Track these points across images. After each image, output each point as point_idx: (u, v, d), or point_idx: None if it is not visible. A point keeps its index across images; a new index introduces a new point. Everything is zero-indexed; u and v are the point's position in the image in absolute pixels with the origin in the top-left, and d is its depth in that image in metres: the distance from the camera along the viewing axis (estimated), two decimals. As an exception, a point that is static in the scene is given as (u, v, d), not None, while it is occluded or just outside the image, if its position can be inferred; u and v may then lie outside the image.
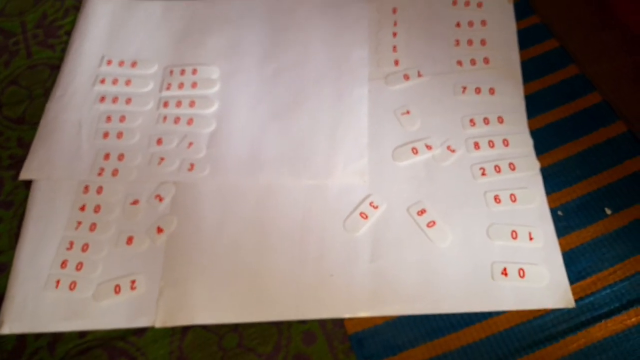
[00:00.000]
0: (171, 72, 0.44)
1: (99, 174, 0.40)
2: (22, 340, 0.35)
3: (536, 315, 0.33)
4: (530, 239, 0.35)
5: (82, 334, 0.35)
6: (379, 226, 0.37)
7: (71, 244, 0.37)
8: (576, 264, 0.34)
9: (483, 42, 0.43)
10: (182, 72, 0.44)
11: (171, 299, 0.35)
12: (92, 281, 0.36)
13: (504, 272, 0.34)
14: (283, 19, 0.47)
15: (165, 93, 0.44)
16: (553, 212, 0.36)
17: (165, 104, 0.43)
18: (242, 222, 0.37)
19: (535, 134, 0.39)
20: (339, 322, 0.34)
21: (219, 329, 0.35)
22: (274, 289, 0.35)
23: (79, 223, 0.38)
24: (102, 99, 0.43)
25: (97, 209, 0.39)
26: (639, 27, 0.42)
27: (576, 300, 0.33)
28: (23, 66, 0.46)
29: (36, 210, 0.39)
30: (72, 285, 0.36)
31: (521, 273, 0.34)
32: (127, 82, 0.44)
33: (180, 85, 0.44)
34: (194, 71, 0.44)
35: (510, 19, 0.44)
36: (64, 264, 0.37)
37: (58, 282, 0.36)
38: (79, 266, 0.37)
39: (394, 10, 0.46)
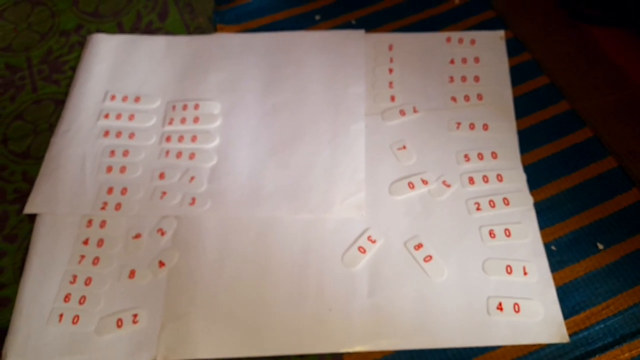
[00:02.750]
0: (174, 107, 0.46)
1: (102, 208, 0.41)
2: (24, 376, 0.35)
3: (531, 350, 0.33)
4: (525, 273, 0.35)
5: (84, 370, 0.35)
6: (377, 260, 0.37)
7: (74, 277, 0.38)
8: (570, 299, 0.35)
9: (476, 79, 0.45)
10: (185, 107, 0.46)
11: (172, 333, 0.35)
12: (94, 315, 0.36)
13: (500, 307, 0.34)
14: (281, 56, 0.48)
15: (168, 128, 0.45)
16: (547, 246, 0.37)
17: (168, 139, 0.44)
18: (242, 256, 0.38)
19: (528, 169, 0.40)
20: (338, 357, 0.35)
21: (219, 363, 0.35)
22: (274, 324, 0.35)
23: (82, 257, 0.39)
24: (106, 133, 0.45)
25: (100, 243, 0.39)
26: (625, 63, 0.44)
27: (570, 335, 0.33)
28: (28, 101, 0.48)
29: (40, 244, 0.39)
30: (75, 319, 0.36)
31: (516, 308, 0.34)
32: (131, 117, 0.45)
33: (183, 120, 0.45)
34: (196, 106, 0.46)
35: (502, 56, 0.46)
36: (67, 298, 0.37)
37: (61, 316, 0.37)
38: (82, 300, 0.37)
39: (390, 47, 0.48)
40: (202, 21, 0.52)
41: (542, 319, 0.34)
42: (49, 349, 0.35)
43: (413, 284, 0.36)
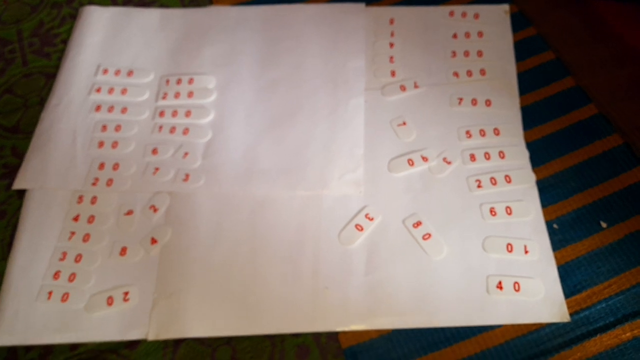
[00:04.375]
0: (167, 81, 0.44)
1: (94, 184, 0.40)
2: (12, 353, 0.35)
3: (531, 330, 0.33)
4: (526, 252, 0.35)
5: (73, 347, 0.35)
6: (374, 238, 0.36)
7: (64, 254, 0.37)
8: (571, 278, 0.34)
9: (480, 54, 0.43)
10: (179, 81, 0.44)
11: (164, 311, 0.35)
12: (84, 292, 0.36)
13: (499, 286, 0.34)
14: (279, 29, 0.47)
15: (161, 102, 0.43)
16: (548, 225, 0.36)
17: (161, 114, 0.43)
18: (236, 233, 0.37)
19: (531, 146, 0.39)
20: (333, 336, 0.34)
21: (212, 342, 0.34)
22: (268, 302, 0.35)
23: (73, 233, 0.38)
24: (98, 108, 0.43)
25: (90, 219, 0.39)
26: (632, 38, 0.42)
27: (571, 314, 0.33)
28: (18, 74, 0.46)
29: (29, 221, 0.38)
30: (65, 297, 0.36)
31: (516, 287, 0.33)
32: (123, 91, 0.44)
33: (177, 95, 0.44)
34: (190, 80, 0.44)
35: (507, 31, 0.44)
36: (56, 275, 0.36)
37: (50, 293, 0.36)
38: (72, 277, 0.36)
39: (391, 21, 0.46)
40: (197, -6, 0.50)
41: (543, 297, 0.33)
42: (38, 326, 0.34)
43: (411, 262, 0.35)
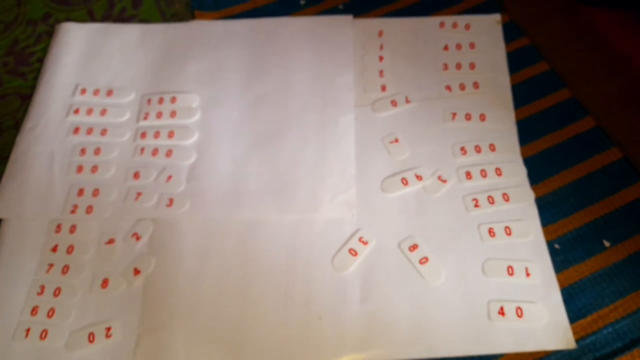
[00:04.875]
0: (149, 100, 0.42)
1: (72, 212, 0.38)
2: (-13, 397, 0.32)
3: (536, 358, 0.31)
4: (527, 274, 0.33)
5: (52, 389, 0.33)
6: (369, 263, 0.35)
7: (42, 288, 0.35)
8: (575, 301, 0.33)
9: (472, 66, 0.42)
10: (161, 100, 0.42)
11: (149, 347, 0.33)
12: (64, 329, 0.34)
13: (501, 312, 0.32)
14: (265, 44, 0.45)
15: (143, 123, 0.42)
16: (550, 245, 0.34)
17: (143, 135, 0.41)
18: (223, 262, 0.35)
19: (528, 161, 0.37)
20: (329, 369, 0.32)
21: (200, 379, 0.32)
22: (259, 334, 0.33)
23: (51, 265, 0.36)
24: (76, 130, 0.41)
25: (70, 249, 0.36)
26: (626, 47, 0.41)
27: (577, 340, 0.31)
28: (-8, 96, 0.44)
29: (5, 252, 0.36)
30: (43, 334, 0.33)
31: (519, 312, 0.32)
32: (103, 112, 0.42)
33: (159, 115, 0.42)
34: (173, 99, 0.42)
35: (499, 41, 0.43)
36: (34, 311, 0.34)
37: (28, 330, 0.34)
38: (51, 312, 0.34)
39: (380, 33, 0.45)
40: (179, 8, 0.49)
41: (547, 323, 0.32)
42: (15, 367, 0.32)
43: (408, 289, 0.34)
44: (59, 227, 0.37)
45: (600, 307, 0.32)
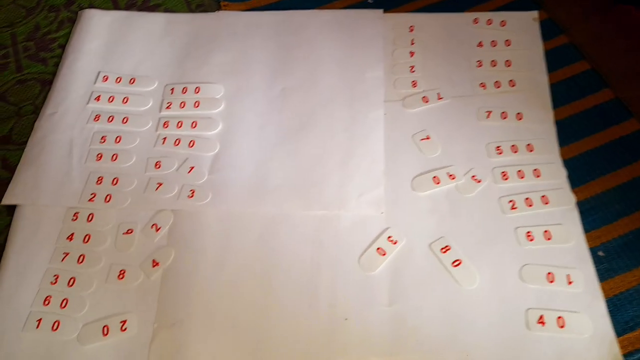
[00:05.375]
0: (172, 90, 0.41)
1: (90, 200, 0.36)
2: (-6, 389, 0.31)
3: (579, 372, 0.29)
4: (569, 282, 0.31)
5: (63, 383, 0.31)
6: (398, 264, 0.33)
7: (56, 277, 0.34)
8: (622, 313, 0.30)
9: (508, 63, 0.40)
10: (184, 90, 0.41)
11: (165, 342, 0.31)
12: (77, 321, 0.32)
13: (541, 321, 0.30)
14: (292, 36, 0.44)
15: (166, 112, 0.40)
16: (593, 252, 0.32)
17: (165, 125, 0.40)
18: (245, 256, 0.34)
19: (568, 163, 0.36)
20: (354, 374, 0.30)
21: (218, 379, 0.31)
22: (280, 334, 0.31)
23: (66, 254, 0.35)
24: (97, 117, 0.40)
25: (86, 238, 0.35)
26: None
27: (624, 355, 0.29)
28: (12, 81, 0.43)
29: (19, 240, 0.35)
30: (55, 326, 0.32)
31: (560, 322, 0.30)
32: (125, 100, 0.41)
33: (182, 104, 0.41)
34: (197, 89, 0.41)
35: (536, 39, 0.42)
36: (47, 301, 0.33)
37: (40, 321, 0.32)
38: (64, 303, 0.33)
39: (411, 29, 0.43)
40: (205, -2, 0.48)
41: (591, 335, 0.30)
42: (24, 358, 0.31)
43: (440, 292, 0.32)
44: (76, 215, 0.36)
45: (650, 320, 0.30)
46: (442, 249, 0.33)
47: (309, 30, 0.44)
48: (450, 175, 0.36)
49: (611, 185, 0.35)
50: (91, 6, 0.47)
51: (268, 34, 0.44)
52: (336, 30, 0.44)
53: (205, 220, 0.35)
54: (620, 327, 0.30)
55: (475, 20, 0.43)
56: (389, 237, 0.34)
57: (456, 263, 0.32)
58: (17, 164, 0.38)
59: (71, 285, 0.34)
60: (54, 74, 0.43)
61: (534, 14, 0.43)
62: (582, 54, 0.40)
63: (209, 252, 0.34)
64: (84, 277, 0.34)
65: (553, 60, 0.40)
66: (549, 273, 0.32)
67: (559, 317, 0.30)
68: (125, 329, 0.32)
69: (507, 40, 0.42)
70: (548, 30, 0.42)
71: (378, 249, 0.33)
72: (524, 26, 0.42)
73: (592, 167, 0.36)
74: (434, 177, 0.36)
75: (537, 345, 0.30)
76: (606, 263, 0.32)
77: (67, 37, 0.45)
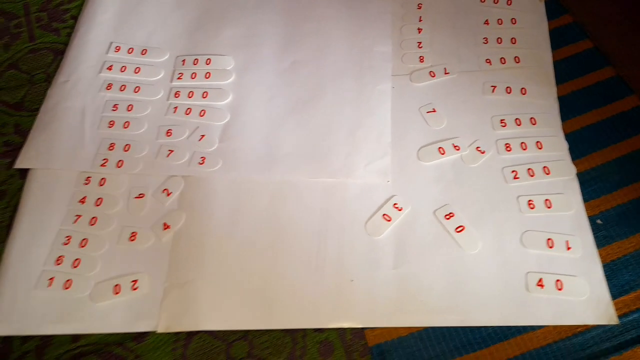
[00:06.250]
0: (183, 61, 0.42)
1: (102, 165, 0.37)
2: (7, 343, 0.32)
3: (576, 332, 0.30)
4: (568, 248, 0.32)
5: (75, 338, 0.32)
6: (403, 229, 0.34)
7: (68, 238, 0.35)
8: (618, 277, 0.32)
9: (513, 41, 0.41)
10: (195, 61, 0.42)
11: (176, 301, 0.32)
12: (89, 280, 0.33)
13: (540, 284, 0.31)
14: (302, 10, 0.44)
15: (177, 83, 0.41)
16: (591, 220, 0.33)
17: (177, 94, 0.40)
18: (254, 221, 0.35)
19: (569, 137, 0.37)
20: (359, 333, 0.31)
21: (227, 336, 0.32)
22: (289, 294, 0.32)
23: (78, 216, 0.35)
24: (109, 86, 0.41)
25: (98, 202, 0.36)
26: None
27: (619, 317, 0.30)
28: (24, 50, 0.44)
29: (31, 202, 0.36)
30: (67, 284, 0.33)
31: (559, 285, 0.31)
32: (136, 70, 0.42)
33: (193, 75, 0.41)
34: (208, 61, 0.42)
35: (541, 18, 0.42)
36: (59, 260, 0.34)
37: (52, 280, 0.33)
38: (76, 263, 0.34)
39: (419, 6, 0.44)
40: (216, -26, 0.48)
41: (588, 298, 0.31)
42: (37, 315, 0.32)
43: (443, 256, 0.33)
44: (88, 180, 0.37)
45: (645, 284, 0.31)
46: (446, 215, 0.34)
47: (319, 5, 0.45)
48: (456, 147, 0.37)
49: (610, 157, 0.36)
50: (103, -21, 0.48)
51: (278, 8, 0.45)
52: (345, 7, 0.44)
53: (216, 186, 0.36)
54: (617, 290, 0.31)
55: None
56: (395, 204, 0.35)
57: (459, 229, 0.33)
58: (29, 130, 0.39)
59: (83, 246, 0.34)
60: (66, 44, 0.44)
61: (539, -6, 0.44)
62: (586, 33, 0.41)
63: (219, 217, 0.35)
64: (96, 238, 0.35)
65: (557, 38, 0.41)
66: (548, 239, 0.33)
67: (558, 280, 0.31)
68: (136, 287, 0.33)
69: (512, 19, 0.43)
70: (553, 10, 0.43)
71: (384, 215, 0.34)
72: (530, 6, 0.43)
73: (593, 141, 0.37)
74: (440, 148, 0.37)
75: (536, 306, 0.31)
76: (604, 230, 0.33)
77: (80, 8, 0.46)
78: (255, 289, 0.32)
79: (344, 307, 0.32)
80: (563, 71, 0.39)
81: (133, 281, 0.33)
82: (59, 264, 0.34)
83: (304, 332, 0.32)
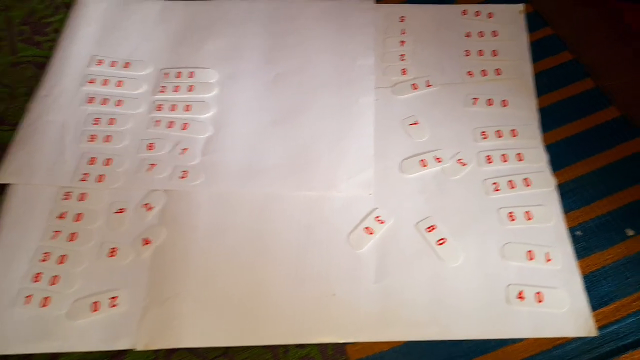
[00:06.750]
0: (166, 74, 0.42)
1: (83, 180, 0.37)
2: (-15, 362, 0.31)
3: (556, 345, 0.30)
4: (548, 260, 0.32)
5: (53, 357, 0.31)
6: (385, 242, 0.34)
7: (47, 255, 0.34)
8: (598, 289, 0.32)
9: (494, 53, 0.42)
10: (179, 74, 0.42)
11: (155, 318, 0.32)
12: (67, 297, 0.33)
13: (520, 296, 0.31)
14: (286, 23, 0.45)
15: (159, 96, 0.41)
16: (571, 231, 0.34)
17: (159, 107, 0.40)
18: (236, 235, 0.34)
19: (550, 148, 0.37)
20: (341, 348, 0.31)
21: (207, 352, 0.31)
22: (270, 310, 0.32)
23: (57, 232, 0.35)
24: (91, 100, 0.41)
25: (78, 217, 0.36)
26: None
27: (599, 328, 0.30)
28: (6, 63, 0.44)
29: (10, 218, 0.35)
30: (45, 302, 0.33)
31: (539, 297, 0.31)
32: (119, 84, 0.41)
33: (176, 89, 0.41)
34: (191, 74, 0.42)
35: (522, 30, 0.43)
36: (37, 277, 0.33)
37: (29, 297, 0.33)
38: (54, 280, 0.33)
39: (402, 19, 0.44)
40: (200, -14, 0.48)
41: (568, 310, 0.31)
42: (13, 334, 0.31)
43: (425, 269, 0.33)
44: (67, 195, 0.36)
45: (624, 296, 0.31)
46: (428, 228, 0.34)
47: (302, 18, 0.45)
48: (437, 159, 0.37)
49: (590, 169, 0.36)
50: (86, -8, 0.48)
51: (262, 21, 0.45)
52: (329, 19, 0.45)
53: (198, 200, 0.36)
54: (596, 301, 0.31)
55: (464, 12, 0.44)
56: (377, 217, 0.35)
57: (441, 241, 0.33)
58: (9, 144, 0.38)
59: (62, 263, 0.34)
60: (48, 57, 0.43)
61: (520, 6, 0.44)
62: (566, 45, 0.42)
63: (201, 231, 0.35)
64: (75, 254, 0.34)
65: (538, 50, 0.42)
66: (529, 251, 0.33)
67: (538, 293, 0.31)
68: (115, 304, 0.32)
69: (494, 31, 0.43)
70: (534, 23, 0.43)
71: (366, 228, 0.34)
72: (511, 18, 0.44)
73: (572, 152, 0.37)
74: (422, 160, 0.37)
75: (517, 318, 0.31)
76: (583, 242, 0.33)
77: (62, 22, 0.45)
78: (236, 305, 0.32)
79: (325, 321, 0.31)
80: (543, 83, 0.40)
81: (112, 298, 0.33)
82: (36, 281, 0.33)
83: (285, 348, 0.31)
